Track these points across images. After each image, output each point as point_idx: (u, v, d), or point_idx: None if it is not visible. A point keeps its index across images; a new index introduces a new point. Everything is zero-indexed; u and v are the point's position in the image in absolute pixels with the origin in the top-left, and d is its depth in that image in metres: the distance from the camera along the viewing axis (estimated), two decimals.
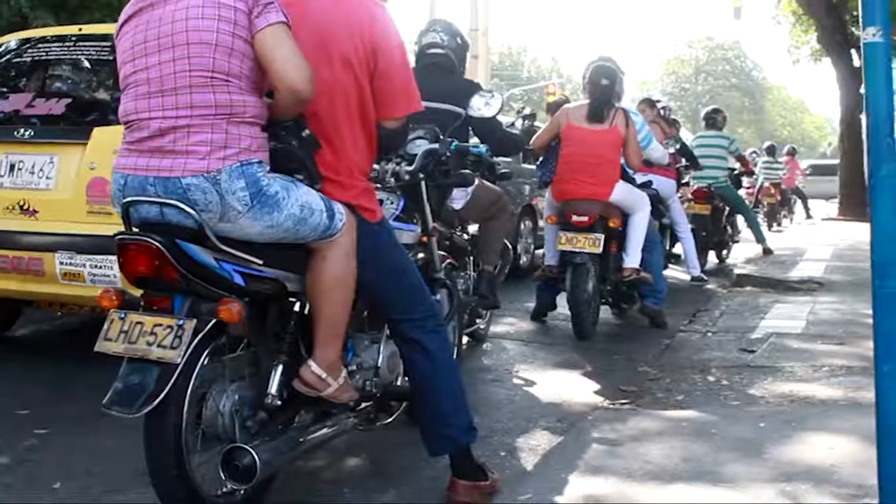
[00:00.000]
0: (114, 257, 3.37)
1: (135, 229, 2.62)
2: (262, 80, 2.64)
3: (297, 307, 2.86)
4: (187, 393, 2.57)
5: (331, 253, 2.78)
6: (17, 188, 4.80)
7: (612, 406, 4.30)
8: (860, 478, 3.14)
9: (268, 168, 2.62)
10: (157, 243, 2.48)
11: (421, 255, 3.82)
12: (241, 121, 2.56)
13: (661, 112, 9.29)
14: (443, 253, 4.27)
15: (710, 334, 6.16)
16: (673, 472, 3.33)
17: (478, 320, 5.53)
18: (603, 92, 6.15)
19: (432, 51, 5.11)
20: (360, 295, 3.00)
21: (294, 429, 2.90)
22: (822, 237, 15.00)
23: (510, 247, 5.92)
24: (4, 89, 5.29)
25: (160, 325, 2.53)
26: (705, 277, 9.05)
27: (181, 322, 2.52)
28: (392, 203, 3.51)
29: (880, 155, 1.69)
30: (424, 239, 3.81)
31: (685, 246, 9.12)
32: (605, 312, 6.60)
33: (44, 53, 5.38)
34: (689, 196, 10.22)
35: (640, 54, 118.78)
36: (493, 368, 5.19)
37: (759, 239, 11.93)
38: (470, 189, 4.99)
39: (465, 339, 5.40)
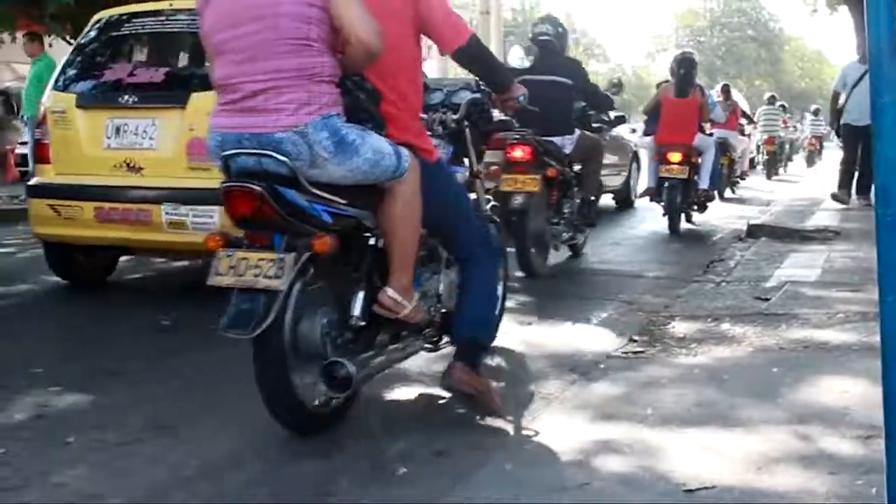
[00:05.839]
0: (213, 207, 4.83)
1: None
2: (335, 41, 2.98)
3: (371, 241, 3.24)
4: (286, 317, 2.96)
5: (400, 191, 3.17)
6: (123, 148, 5.41)
7: (623, 355, 4.29)
8: (873, 419, 3.10)
9: (344, 119, 3.00)
10: (259, 188, 2.85)
11: (472, 195, 4.08)
12: (321, 80, 2.94)
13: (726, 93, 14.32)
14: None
15: (724, 284, 6.11)
16: (684, 417, 3.31)
17: (578, 235, 7.23)
18: (683, 78, 9.64)
19: (542, 38, 6.93)
20: (426, 226, 3.37)
21: (375, 347, 3.32)
22: None
23: (602, 182, 7.90)
24: (107, 60, 5.97)
25: (264, 259, 2.91)
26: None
27: (282, 256, 2.90)
28: (443, 149, 3.80)
29: (882, 80, 1.65)
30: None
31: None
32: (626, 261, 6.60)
33: (140, 27, 6.05)
34: (764, 140, 19.35)
35: (654, 7, 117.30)
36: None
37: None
38: (575, 138, 6.88)
39: (566, 253, 7.38)
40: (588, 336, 4.81)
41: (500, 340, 4.64)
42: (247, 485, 2.79)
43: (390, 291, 3.19)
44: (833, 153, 28.46)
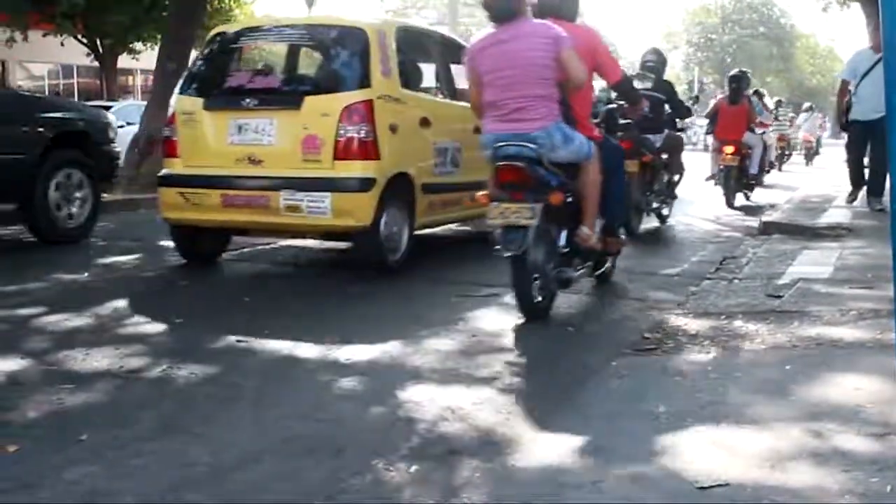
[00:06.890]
0: (325, 193, 6.13)
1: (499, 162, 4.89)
2: (558, 76, 4.95)
3: (569, 199, 5.09)
4: (530, 245, 4.70)
5: (590, 167, 5.23)
6: (245, 144, 6.39)
7: (636, 352, 4.28)
8: (887, 416, 3.12)
9: (564, 122, 4.98)
10: (524, 164, 4.80)
11: None
12: (552, 100, 4.96)
13: (759, 97, 17.31)
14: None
15: (736, 281, 6.10)
16: (697, 414, 3.31)
17: (664, 206, 9.82)
18: (735, 90, 12.71)
19: (649, 64, 9.80)
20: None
21: (572, 266, 5.26)
22: None
23: (684, 166, 10.64)
24: (228, 69, 6.97)
25: (522, 207, 4.70)
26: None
27: (534, 205, 4.72)
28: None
29: None
30: None
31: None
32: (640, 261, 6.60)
33: (253, 41, 7.35)
34: (777, 138, 20.84)
35: (665, 3, 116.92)
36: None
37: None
38: (663, 136, 9.62)
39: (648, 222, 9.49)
40: (600, 333, 4.80)
41: (509, 337, 4.66)
42: (258, 484, 2.79)
43: (585, 229, 5.19)
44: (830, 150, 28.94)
